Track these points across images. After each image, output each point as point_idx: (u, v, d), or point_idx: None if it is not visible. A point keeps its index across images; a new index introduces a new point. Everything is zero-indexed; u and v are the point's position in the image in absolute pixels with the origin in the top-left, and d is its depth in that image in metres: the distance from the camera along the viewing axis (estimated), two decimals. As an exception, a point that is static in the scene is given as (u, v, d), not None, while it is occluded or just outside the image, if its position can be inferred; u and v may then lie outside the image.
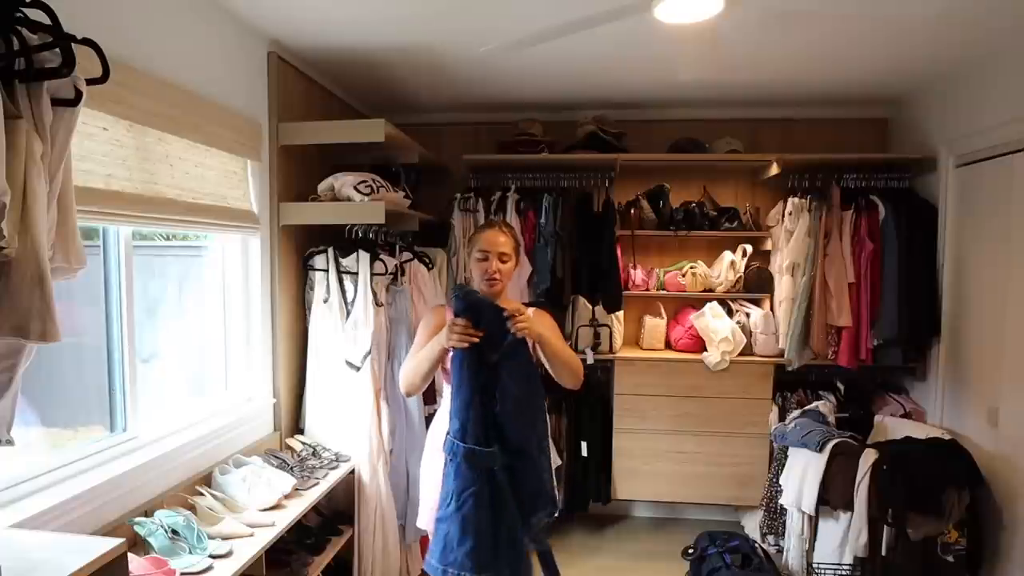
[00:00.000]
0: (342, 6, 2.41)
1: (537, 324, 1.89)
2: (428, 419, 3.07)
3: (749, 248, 3.76)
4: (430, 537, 1.98)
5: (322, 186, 2.88)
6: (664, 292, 3.78)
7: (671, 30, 2.44)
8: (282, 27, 2.64)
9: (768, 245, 3.73)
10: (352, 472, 2.76)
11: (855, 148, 3.63)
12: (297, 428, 3.00)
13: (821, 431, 2.93)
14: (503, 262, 2.05)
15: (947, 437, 2.92)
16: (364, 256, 2.83)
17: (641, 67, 3.11)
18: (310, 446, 2.79)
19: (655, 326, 3.80)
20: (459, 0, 2.34)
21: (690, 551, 3.17)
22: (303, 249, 3.00)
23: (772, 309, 3.64)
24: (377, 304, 2.84)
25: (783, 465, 3.11)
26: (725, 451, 3.55)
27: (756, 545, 3.11)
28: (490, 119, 3.96)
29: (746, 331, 3.57)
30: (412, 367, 2.00)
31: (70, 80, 1.29)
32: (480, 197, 3.62)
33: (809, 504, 2.82)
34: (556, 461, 3.51)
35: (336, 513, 2.83)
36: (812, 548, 2.90)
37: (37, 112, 1.24)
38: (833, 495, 2.76)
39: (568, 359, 1.99)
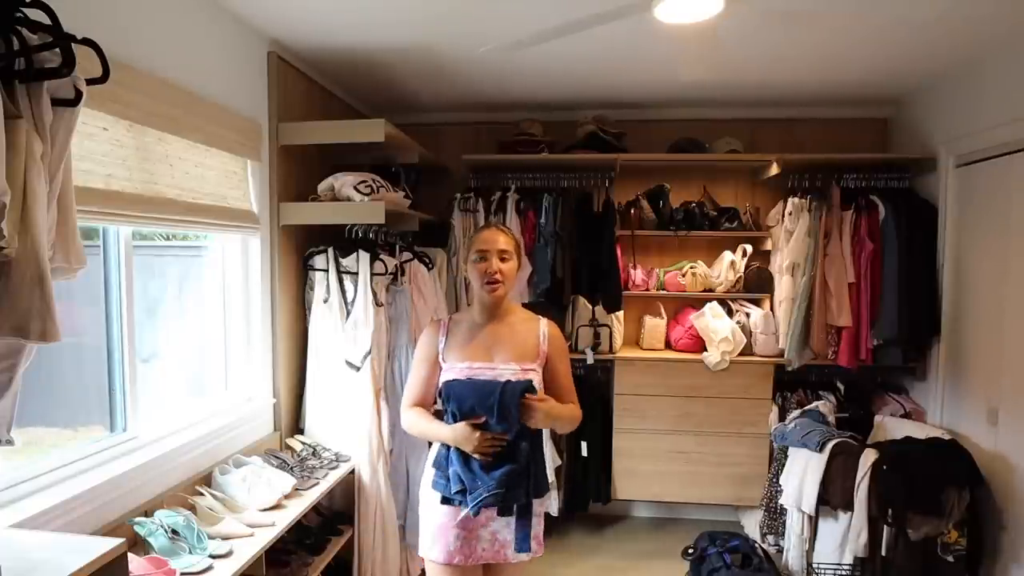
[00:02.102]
0: (342, 7, 2.41)
1: (546, 409, 1.80)
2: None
3: (749, 248, 3.76)
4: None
5: (322, 186, 2.88)
6: (664, 292, 3.78)
7: (671, 30, 2.44)
8: (282, 27, 2.64)
9: (768, 245, 3.73)
10: (352, 472, 2.76)
11: (855, 148, 3.63)
12: (297, 428, 3.00)
13: (821, 431, 2.93)
14: (503, 260, 1.90)
15: (947, 437, 2.92)
16: (364, 256, 2.83)
17: (641, 67, 3.11)
18: (310, 446, 2.79)
19: (655, 326, 3.80)
20: (459, 1, 2.34)
21: (690, 551, 3.17)
22: (303, 249, 3.00)
23: (772, 309, 3.64)
24: (377, 304, 2.84)
25: (783, 465, 3.11)
26: (725, 451, 3.55)
27: (756, 545, 3.12)
28: (490, 119, 3.96)
29: (746, 331, 3.57)
30: (419, 432, 1.94)
31: (70, 80, 1.29)
32: (480, 197, 3.62)
33: (809, 504, 2.82)
34: (556, 461, 3.52)
35: (336, 513, 2.83)
36: (812, 548, 2.90)
37: (37, 112, 1.24)
38: (833, 495, 2.76)
39: (569, 422, 1.94)
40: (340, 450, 2.80)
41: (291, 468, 2.54)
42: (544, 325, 1.98)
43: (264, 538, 2.03)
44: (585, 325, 3.63)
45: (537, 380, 1.88)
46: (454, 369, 1.89)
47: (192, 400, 2.56)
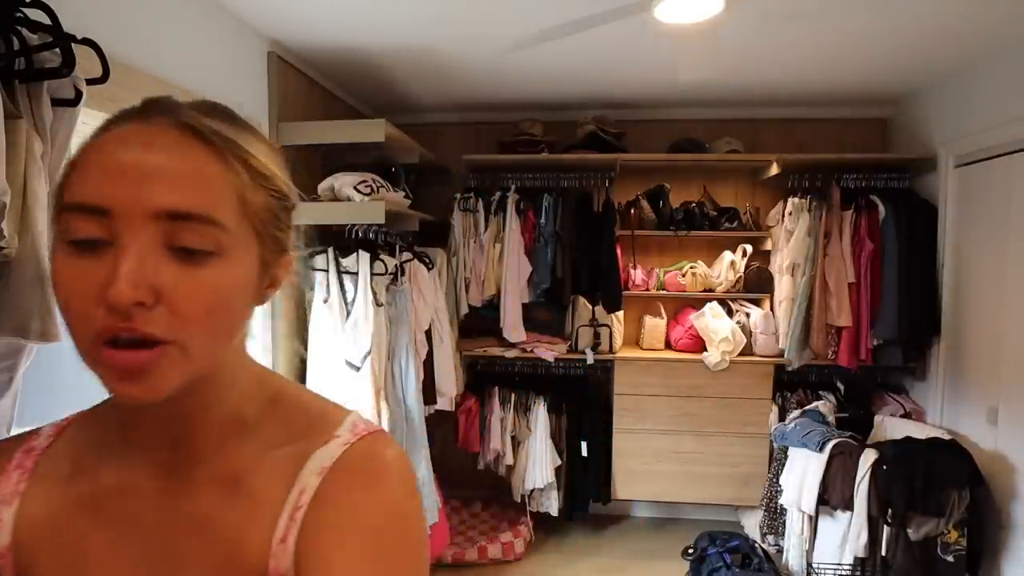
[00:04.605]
0: (342, 7, 2.41)
1: None
2: (429, 419, 3.08)
3: (749, 248, 3.76)
4: None
5: (322, 186, 2.88)
6: (664, 292, 3.78)
7: (671, 30, 2.45)
8: (282, 27, 2.64)
9: (768, 245, 3.73)
10: (352, 472, 2.75)
11: (855, 148, 3.63)
12: (297, 428, 2.99)
13: (821, 431, 2.93)
14: (194, 257, 0.55)
15: (947, 437, 2.92)
16: (364, 256, 2.83)
17: (641, 67, 3.11)
18: (310, 446, 2.79)
19: (655, 326, 3.80)
20: (459, 1, 2.34)
21: (690, 551, 3.17)
22: (303, 249, 3.00)
23: (772, 309, 3.65)
24: (377, 304, 2.84)
25: (783, 465, 3.11)
26: (725, 451, 3.55)
27: (756, 545, 3.12)
28: (490, 119, 3.96)
29: (746, 331, 3.57)
30: None
31: (70, 80, 1.29)
32: (480, 197, 3.62)
33: (809, 504, 2.82)
34: (556, 461, 3.52)
35: (336, 513, 2.82)
36: (812, 548, 2.90)
37: (37, 112, 1.24)
38: (833, 495, 2.76)
39: None
40: (340, 450, 2.80)
41: (291, 468, 2.53)
42: (314, 468, 0.63)
43: (264, 538, 2.03)
44: (585, 325, 3.64)
45: None
46: None
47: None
